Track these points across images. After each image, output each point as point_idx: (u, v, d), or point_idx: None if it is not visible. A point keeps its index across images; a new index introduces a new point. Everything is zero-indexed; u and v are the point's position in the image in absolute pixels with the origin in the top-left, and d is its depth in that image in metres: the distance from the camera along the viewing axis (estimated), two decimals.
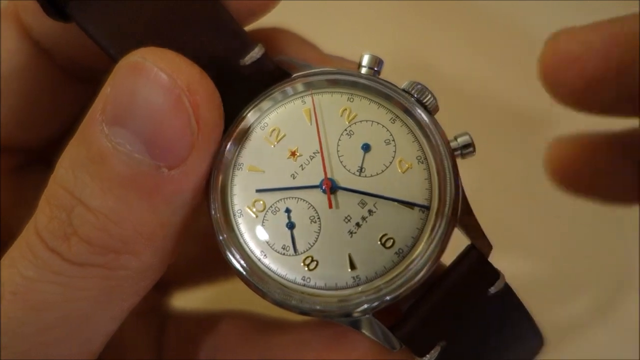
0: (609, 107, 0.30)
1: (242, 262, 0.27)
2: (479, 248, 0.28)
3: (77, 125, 0.25)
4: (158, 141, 0.23)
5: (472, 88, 0.53)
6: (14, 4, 0.31)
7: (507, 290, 0.28)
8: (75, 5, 0.27)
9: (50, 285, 0.24)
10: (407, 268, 0.27)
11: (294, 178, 0.28)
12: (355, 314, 0.27)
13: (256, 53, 0.28)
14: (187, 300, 0.41)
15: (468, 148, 0.29)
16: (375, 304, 0.26)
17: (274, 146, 0.28)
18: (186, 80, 0.23)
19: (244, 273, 0.27)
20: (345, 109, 0.28)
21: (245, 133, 0.28)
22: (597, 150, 0.33)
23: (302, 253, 0.27)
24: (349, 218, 0.27)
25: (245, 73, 0.27)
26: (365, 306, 0.27)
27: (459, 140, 0.29)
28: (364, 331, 0.28)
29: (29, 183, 0.33)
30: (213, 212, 0.27)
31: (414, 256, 0.27)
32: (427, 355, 0.27)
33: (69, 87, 0.33)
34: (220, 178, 0.27)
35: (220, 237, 0.27)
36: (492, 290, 0.27)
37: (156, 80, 0.23)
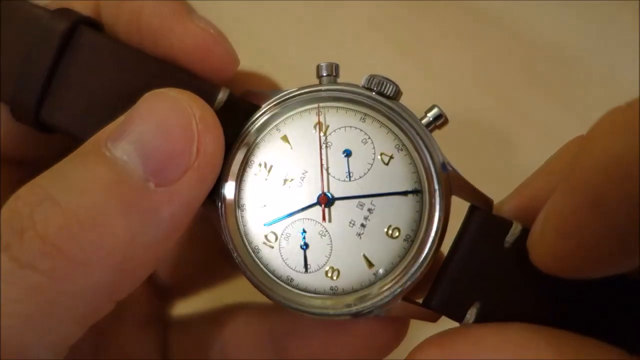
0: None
1: (277, 293, 0.29)
2: (479, 206, 0.29)
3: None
4: (156, 155, 0.24)
5: (474, 89, 0.53)
6: None
7: (526, 234, 0.27)
8: (50, 104, 0.29)
9: None
10: (420, 250, 0.29)
11: (294, 202, 0.30)
12: (388, 303, 0.29)
13: (222, 97, 0.30)
14: (188, 304, 0.41)
15: (440, 119, 0.30)
16: (400, 290, 0.29)
17: (267, 179, 0.30)
18: (200, 110, 0.25)
19: (284, 302, 0.29)
20: (317, 124, 0.30)
21: (239, 174, 0.30)
22: None
23: (322, 267, 0.29)
24: (352, 222, 0.29)
25: (219, 118, 0.28)
26: (396, 292, 0.29)
27: (429, 114, 0.30)
28: (398, 315, 0.30)
29: None
30: (235, 255, 0.30)
31: (421, 237, 0.29)
32: (467, 316, 0.28)
33: None
34: (230, 222, 0.30)
35: (248, 274, 0.29)
36: (509, 239, 0.28)
37: (174, 103, 0.25)
